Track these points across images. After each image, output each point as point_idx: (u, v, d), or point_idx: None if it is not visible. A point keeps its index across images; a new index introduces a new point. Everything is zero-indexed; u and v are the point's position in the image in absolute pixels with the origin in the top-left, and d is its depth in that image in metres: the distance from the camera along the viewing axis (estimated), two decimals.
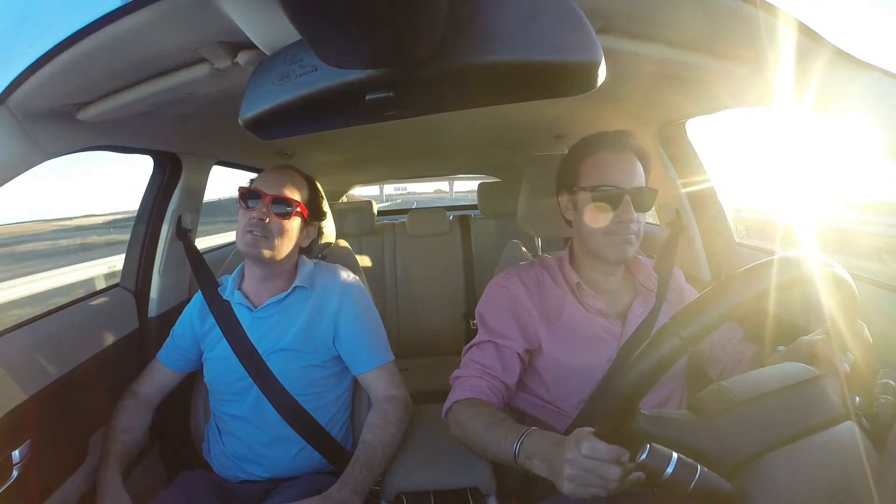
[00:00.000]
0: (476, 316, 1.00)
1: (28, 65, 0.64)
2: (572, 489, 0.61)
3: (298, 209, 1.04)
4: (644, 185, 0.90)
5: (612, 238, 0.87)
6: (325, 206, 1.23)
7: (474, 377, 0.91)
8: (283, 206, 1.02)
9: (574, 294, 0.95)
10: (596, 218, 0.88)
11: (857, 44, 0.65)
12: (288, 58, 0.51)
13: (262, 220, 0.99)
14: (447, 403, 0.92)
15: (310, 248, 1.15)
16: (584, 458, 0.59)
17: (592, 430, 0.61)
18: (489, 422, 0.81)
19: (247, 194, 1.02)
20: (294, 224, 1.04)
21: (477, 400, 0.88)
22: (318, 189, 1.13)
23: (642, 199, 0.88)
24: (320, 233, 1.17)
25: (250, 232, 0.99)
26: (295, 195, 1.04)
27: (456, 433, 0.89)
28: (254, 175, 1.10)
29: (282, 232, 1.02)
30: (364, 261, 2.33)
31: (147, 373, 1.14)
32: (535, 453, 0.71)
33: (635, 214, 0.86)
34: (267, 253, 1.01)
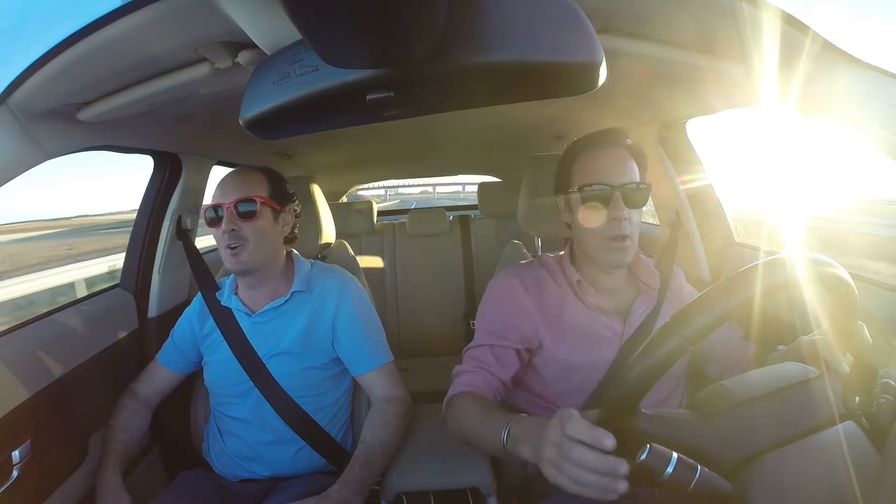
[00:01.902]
0: (477, 316, 1.00)
1: (28, 65, 0.64)
2: (552, 473, 0.55)
3: (263, 202, 1.02)
4: (637, 181, 0.87)
5: (608, 243, 0.86)
6: (323, 200, 1.21)
7: (470, 372, 0.91)
8: (247, 206, 1.00)
9: (575, 292, 0.94)
10: (588, 218, 0.87)
11: (857, 44, 0.65)
12: (288, 58, 0.51)
13: (234, 229, 0.98)
14: (445, 399, 0.92)
15: (293, 235, 1.13)
16: (563, 437, 0.53)
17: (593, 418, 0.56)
18: (482, 413, 0.81)
19: (210, 212, 1.01)
20: (265, 220, 1.03)
21: (472, 394, 0.88)
22: (276, 175, 1.10)
23: (634, 196, 0.86)
24: (298, 215, 1.14)
25: (229, 247, 0.99)
26: (254, 191, 1.02)
27: (452, 428, 0.88)
28: None
29: (257, 232, 1.01)
30: (364, 261, 2.32)
31: (146, 373, 1.14)
32: (521, 438, 0.68)
33: (627, 212, 0.85)
34: (253, 261, 1.01)
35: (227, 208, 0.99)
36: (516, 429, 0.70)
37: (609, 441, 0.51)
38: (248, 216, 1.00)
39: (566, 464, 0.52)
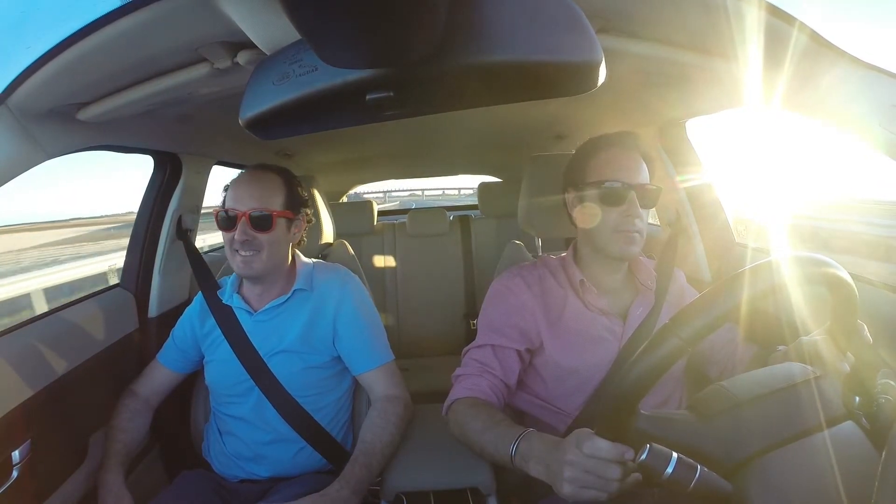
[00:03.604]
0: (479, 316, 1.00)
1: (28, 65, 0.64)
2: (572, 492, 0.60)
3: (278, 215, 1.00)
4: (650, 182, 0.91)
5: (618, 235, 0.88)
6: (323, 200, 1.19)
7: (475, 375, 0.91)
8: (262, 220, 0.98)
9: (576, 292, 0.95)
10: (603, 213, 0.89)
11: (858, 45, 0.65)
12: (288, 58, 0.50)
13: (247, 240, 0.97)
14: (447, 401, 0.92)
15: (301, 239, 1.12)
16: (585, 457, 0.58)
17: (592, 430, 0.60)
18: (487, 422, 0.81)
19: (223, 215, 0.99)
20: (280, 230, 1.01)
21: (477, 399, 0.88)
22: (292, 179, 1.07)
23: (647, 196, 0.89)
24: (309, 220, 1.12)
25: (237, 252, 0.98)
26: (271, 202, 1.00)
27: (455, 432, 0.89)
28: None
29: (271, 242, 1.00)
30: (364, 261, 2.32)
31: (147, 373, 1.14)
32: (531, 455, 0.69)
33: (640, 211, 0.88)
34: (263, 269, 1.01)
35: (242, 218, 0.97)
36: (525, 445, 0.71)
37: (630, 453, 0.56)
38: (264, 228, 0.98)
39: (595, 480, 0.58)
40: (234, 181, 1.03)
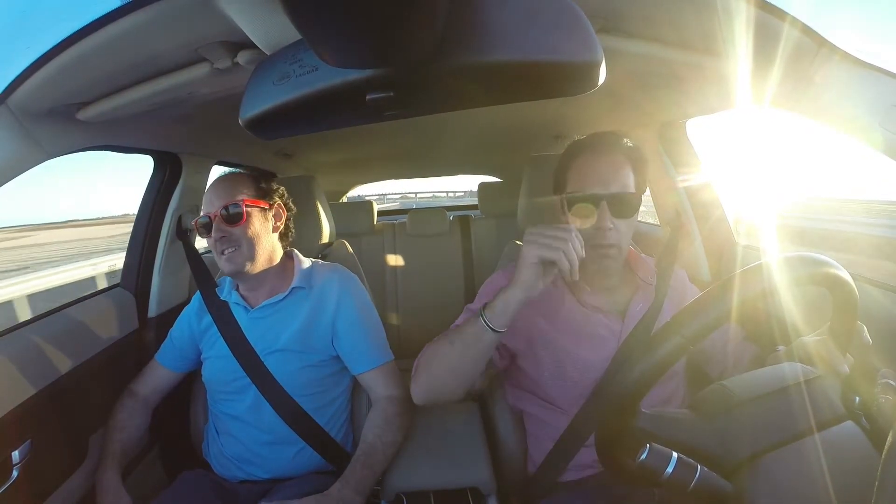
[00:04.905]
0: (470, 305, 0.99)
1: (28, 65, 0.64)
2: (536, 252, 0.72)
3: (248, 203, 1.02)
4: (629, 189, 0.85)
5: (593, 251, 0.85)
6: (324, 200, 1.20)
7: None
8: (233, 210, 1.01)
9: (572, 291, 0.95)
10: (576, 224, 0.86)
11: (858, 45, 0.65)
12: (288, 57, 0.51)
13: (224, 236, 0.99)
14: (415, 362, 0.89)
15: (287, 231, 1.13)
16: (539, 230, 0.72)
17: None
18: (452, 335, 0.82)
19: (203, 220, 1.02)
20: (255, 221, 1.03)
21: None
22: (261, 173, 1.09)
23: (621, 206, 0.84)
24: (289, 208, 1.14)
25: (222, 252, 1.00)
26: (238, 193, 1.03)
27: (422, 378, 0.85)
28: None
29: (247, 233, 1.01)
30: (364, 261, 2.32)
31: (146, 373, 1.14)
32: (497, 297, 0.76)
33: (612, 222, 0.83)
34: (249, 265, 1.02)
35: (215, 216, 1.00)
36: (490, 304, 0.77)
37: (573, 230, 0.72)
38: (236, 220, 1.00)
39: (550, 239, 0.72)
40: (206, 192, 1.06)
